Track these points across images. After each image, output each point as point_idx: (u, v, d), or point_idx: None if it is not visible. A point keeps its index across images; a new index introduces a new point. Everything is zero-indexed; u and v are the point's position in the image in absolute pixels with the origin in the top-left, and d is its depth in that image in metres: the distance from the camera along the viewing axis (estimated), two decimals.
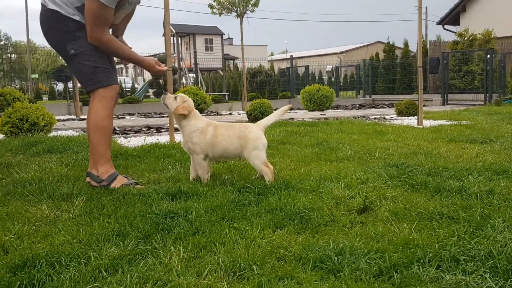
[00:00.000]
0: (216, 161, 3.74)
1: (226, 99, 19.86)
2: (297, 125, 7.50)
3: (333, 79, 24.00)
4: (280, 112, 3.54)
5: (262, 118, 8.24)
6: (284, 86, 22.60)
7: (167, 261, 1.84)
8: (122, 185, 3.10)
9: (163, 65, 3.44)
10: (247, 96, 14.23)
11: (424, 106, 12.17)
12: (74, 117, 11.73)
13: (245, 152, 3.26)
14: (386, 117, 10.26)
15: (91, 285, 1.59)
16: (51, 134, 6.58)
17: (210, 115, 12.23)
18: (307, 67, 21.23)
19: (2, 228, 2.25)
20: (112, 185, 3.10)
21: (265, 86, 17.36)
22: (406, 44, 20.99)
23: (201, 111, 11.70)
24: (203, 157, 3.22)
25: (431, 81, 18.99)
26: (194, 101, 11.38)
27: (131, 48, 3.41)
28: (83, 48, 3.06)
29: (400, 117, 10.00)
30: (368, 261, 1.79)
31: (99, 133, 3.17)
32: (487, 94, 14.20)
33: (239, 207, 2.58)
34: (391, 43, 22.15)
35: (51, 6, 3.04)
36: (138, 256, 1.90)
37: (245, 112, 13.52)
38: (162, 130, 8.01)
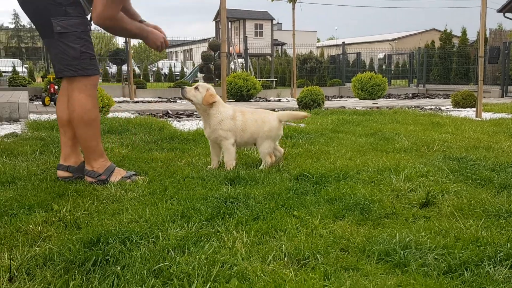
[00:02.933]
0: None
1: (274, 85, 19.80)
2: (349, 114, 7.39)
3: (384, 66, 23.37)
4: (296, 115, 3.52)
5: (313, 105, 8.24)
6: (334, 73, 22.24)
7: (231, 245, 1.87)
8: (122, 177, 2.92)
9: (165, 37, 3.08)
10: (296, 83, 14.14)
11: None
12: (128, 99, 12.07)
13: (260, 136, 3.29)
14: (442, 108, 9.90)
15: (162, 264, 1.64)
16: (109, 116, 6.81)
17: (259, 101, 12.25)
18: (358, 54, 20.77)
19: (73, 204, 2.36)
20: (111, 178, 2.89)
21: (314, 73, 17.16)
22: (464, 32, 20.09)
23: (250, 96, 11.75)
24: (232, 143, 3.23)
25: (489, 71, 18.08)
26: (244, 86, 11.46)
27: (144, 21, 3.12)
28: (73, 28, 2.72)
29: (456, 109, 9.63)
30: (435, 256, 1.75)
31: (87, 127, 2.84)
32: None
33: (297, 195, 2.59)
34: (448, 31, 21.26)
35: None
36: (202, 238, 1.94)
37: (294, 98, 13.45)
38: None
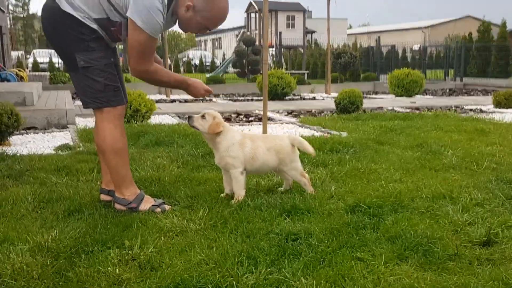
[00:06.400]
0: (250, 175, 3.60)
1: (306, 77, 19.69)
2: (390, 119, 7.31)
3: (417, 57, 22.89)
4: (306, 148, 3.36)
5: (351, 108, 8.17)
6: (366, 65, 21.95)
7: None
8: (152, 206, 2.99)
9: (207, 87, 3.14)
10: (330, 78, 14.04)
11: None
12: (164, 97, 12.27)
13: (283, 165, 3.27)
14: (483, 108, 9.69)
15: None
16: (151, 120, 6.97)
17: (293, 99, 12.23)
18: (393, 47, 20.42)
19: (142, 238, 2.46)
20: (141, 207, 2.98)
21: (348, 68, 16.99)
22: (503, 24, 19.45)
23: (285, 94, 11.75)
24: (241, 171, 3.16)
25: None
26: (279, 85, 11.47)
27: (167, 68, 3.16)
28: (95, 62, 2.79)
29: (498, 109, 9.42)
30: None
31: (118, 156, 2.94)
32: None
33: (356, 230, 2.62)
34: (486, 21, 20.60)
35: (67, 8, 2.71)
36: (273, 286, 2.01)
37: (328, 95, 13.37)
38: (251, 118, 8.17)
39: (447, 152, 4.81)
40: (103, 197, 3.15)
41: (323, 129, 6.35)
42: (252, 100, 11.88)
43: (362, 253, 2.33)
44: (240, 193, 3.16)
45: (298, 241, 2.45)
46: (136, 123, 6.61)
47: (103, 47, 2.86)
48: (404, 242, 2.44)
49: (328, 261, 2.24)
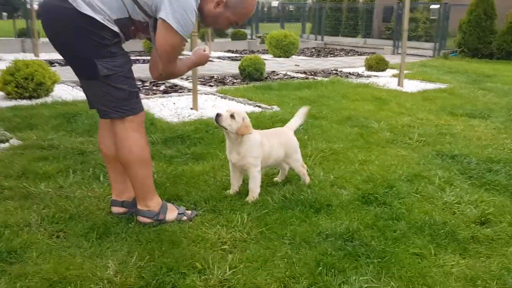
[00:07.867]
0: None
1: None
2: (297, 88, 7.68)
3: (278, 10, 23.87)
4: (303, 114, 3.61)
5: (256, 74, 8.34)
6: None
7: None
8: (178, 214, 2.85)
9: (205, 50, 2.91)
10: (211, 36, 13.88)
11: (375, 54, 12.83)
12: (32, 56, 10.74)
13: (287, 157, 3.41)
14: (359, 71, 10.73)
15: None
16: (54, 93, 6.24)
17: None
18: (258, 3, 20.92)
19: (211, 258, 2.38)
20: (168, 217, 2.81)
21: None
22: None
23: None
24: (259, 170, 3.19)
25: (376, 25, 19.67)
26: None
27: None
28: (119, 68, 2.53)
29: (371, 72, 10.53)
30: None
31: (145, 167, 2.74)
32: (437, 45, 15.25)
33: (387, 223, 2.86)
34: None
35: (85, 10, 2.39)
36: None
37: (212, 54, 13.24)
38: (162, 87, 7.77)
39: (375, 125, 5.38)
40: (116, 209, 2.87)
41: (250, 102, 6.44)
42: (140, 61, 11.19)
43: (411, 248, 2.62)
44: (256, 190, 3.19)
45: (354, 242, 2.63)
46: (39, 98, 5.91)
47: (123, 50, 2.59)
48: (432, 231, 2.81)
49: (395, 260, 2.47)
